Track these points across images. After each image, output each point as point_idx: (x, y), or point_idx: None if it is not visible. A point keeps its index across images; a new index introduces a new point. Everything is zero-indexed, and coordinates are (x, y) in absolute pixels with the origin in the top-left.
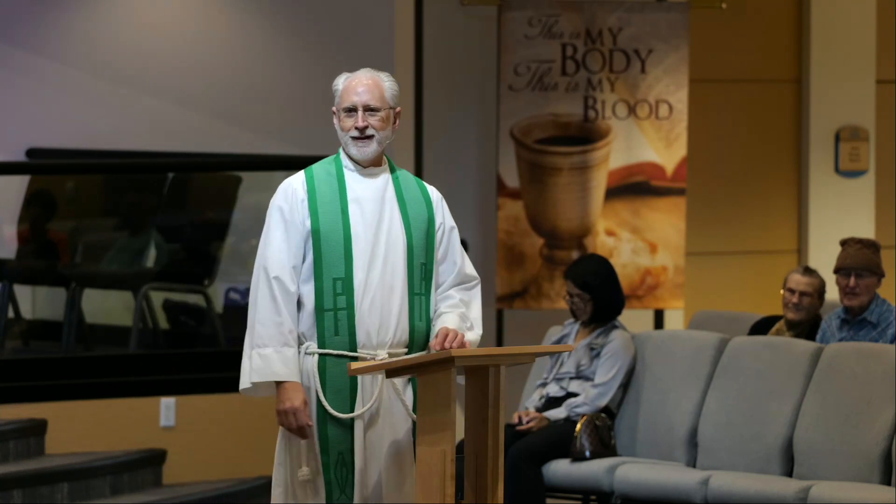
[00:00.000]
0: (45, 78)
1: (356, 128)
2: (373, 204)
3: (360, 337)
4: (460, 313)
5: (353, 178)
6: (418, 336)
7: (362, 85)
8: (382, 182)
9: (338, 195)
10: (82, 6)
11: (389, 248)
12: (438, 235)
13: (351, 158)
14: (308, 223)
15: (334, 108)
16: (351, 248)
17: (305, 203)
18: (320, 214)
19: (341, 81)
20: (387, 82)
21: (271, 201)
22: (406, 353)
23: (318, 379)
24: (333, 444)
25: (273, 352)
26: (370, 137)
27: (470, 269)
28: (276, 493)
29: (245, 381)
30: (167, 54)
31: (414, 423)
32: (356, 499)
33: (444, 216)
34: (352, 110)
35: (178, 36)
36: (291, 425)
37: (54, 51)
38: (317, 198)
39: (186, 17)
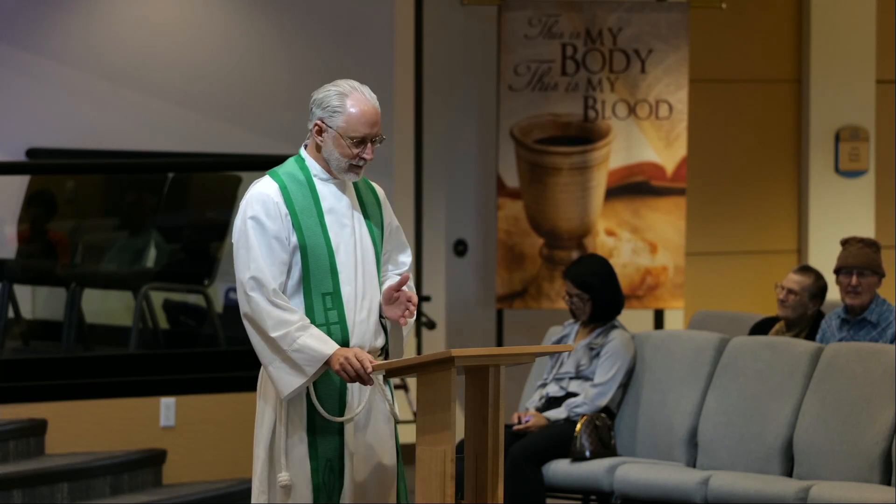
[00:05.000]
0: (45, 78)
1: (363, 158)
2: (346, 214)
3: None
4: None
5: (324, 187)
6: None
7: (372, 114)
8: (348, 190)
9: (313, 206)
10: (82, 6)
11: (365, 257)
12: (386, 234)
13: (323, 168)
14: (294, 239)
15: (324, 123)
16: (335, 261)
17: (289, 218)
18: (304, 229)
19: (340, 103)
20: (378, 105)
21: (244, 211)
22: (382, 356)
23: (311, 385)
24: (322, 450)
25: (305, 337)
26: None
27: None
28: (257, 493)
29: (291, 385)
30: (167, 54)
31: (396, 420)
32: (345, 499)
33: (390, 215)
34: (362, 142)
35: (178, 36)
36: (358, 367)
37: (54, 51)
38: (297, 211)
39: (186, 17)
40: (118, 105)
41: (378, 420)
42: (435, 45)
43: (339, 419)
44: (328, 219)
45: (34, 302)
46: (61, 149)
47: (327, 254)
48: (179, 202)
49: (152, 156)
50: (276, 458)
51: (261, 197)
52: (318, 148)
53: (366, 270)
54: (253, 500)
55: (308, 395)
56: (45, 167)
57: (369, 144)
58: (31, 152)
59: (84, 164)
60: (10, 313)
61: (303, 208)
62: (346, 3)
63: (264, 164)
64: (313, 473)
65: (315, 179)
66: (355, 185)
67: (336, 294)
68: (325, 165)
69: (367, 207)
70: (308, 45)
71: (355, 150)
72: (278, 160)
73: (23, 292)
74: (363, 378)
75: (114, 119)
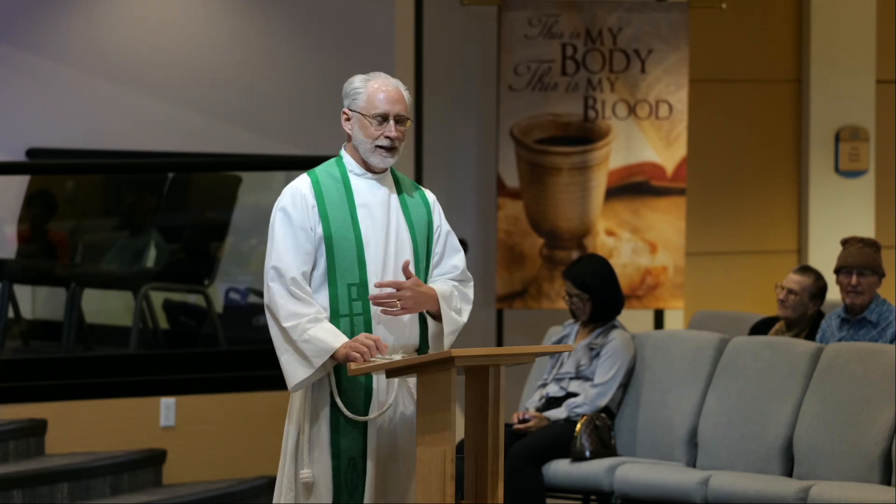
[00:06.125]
0: (45, 78)
1: (388, 137)
2: (381, 209)
3: None
4: (454, 286)
5: (359, 182)
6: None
7: (394, 93)
8: (387, 186)
9: (346, 200)
10: (82, 6)
11: (399, 253)
12: (435, 237)
13: (358, 163)
14: (320, 229)
15: (349, 110)
16: (364, 253)
17: (316, 209)
18: (331, 220)
19: (362, 85)
20: (406, 92)
21: (277, 204)
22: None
23: (333, 379)
24: (345, 448)
25: (316, 329)
26: (395, 149)
27: (467, 272)
28: (284, 491)
29: (298, 376)
30: (167, 54)
31: None
32: (367, 499)
33: (440, 219)
34: (384, 119)
35: (178, 36)
36: (370, 345)
37: (54, 51)
38: (326, 203)
39: (186, 17)
40: (118, 105)
41: (404, 420)
42: (435, 45)
43: (362, 418)
44: (360, 212)
45: (34, 302)
46: (61, 149)
47: (355, 245)
48: (179, 202)
49: (152, 156)
50: (300, 455)
51: (291, 190)
52: (350, 139)
53: (399, 266)
54: (276, 499)
55: (331, 392)
56: (45, 167)
57: (393, 123)
58: (31, 152)
59: (84, 164)
60: (10, 313)
61: (333, 201)
62: (346, 3)
63: (264, 164)
64: (334, 472)
65: (350, 175)
66: (399, 184)
67: (362, 285)
68: (361, 160)
69: (410, 206)
70: (308, 45)
71: (379, 130)
72: (278, 160)
73: (23, 292)
74: (378, 348)
75: (114, 119)
